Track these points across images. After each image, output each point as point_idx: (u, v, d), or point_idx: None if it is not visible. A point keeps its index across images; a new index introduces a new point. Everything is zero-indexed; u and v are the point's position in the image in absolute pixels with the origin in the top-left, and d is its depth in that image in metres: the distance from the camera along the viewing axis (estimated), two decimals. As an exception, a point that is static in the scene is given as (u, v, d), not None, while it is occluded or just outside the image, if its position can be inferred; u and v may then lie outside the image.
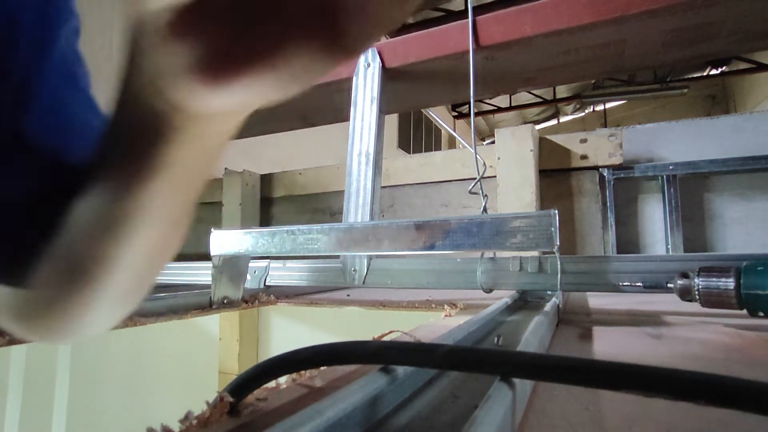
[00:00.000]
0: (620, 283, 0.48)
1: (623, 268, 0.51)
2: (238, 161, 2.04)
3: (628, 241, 1.65)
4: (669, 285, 0.44)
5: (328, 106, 0.90)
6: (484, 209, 0.59)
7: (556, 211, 0.49)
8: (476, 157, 0.62)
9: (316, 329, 0.94)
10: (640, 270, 0.51)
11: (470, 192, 0.61)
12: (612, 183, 1.63)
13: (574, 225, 1.68)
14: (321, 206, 2.18)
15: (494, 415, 0.14)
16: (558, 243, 0.49)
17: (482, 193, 0.59)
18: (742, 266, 0.39)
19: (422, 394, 0.20)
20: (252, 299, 0.67)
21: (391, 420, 0.17)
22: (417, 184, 1.92)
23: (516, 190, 1.57)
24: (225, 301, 0.64)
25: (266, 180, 2.31)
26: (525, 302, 0.56)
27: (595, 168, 1.65)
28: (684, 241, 1.58)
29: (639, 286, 0.46)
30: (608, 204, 1.64)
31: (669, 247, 1.60)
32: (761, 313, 0.37)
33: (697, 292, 0.40)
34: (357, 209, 0.67)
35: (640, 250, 1.65)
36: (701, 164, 1.55)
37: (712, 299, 0.40)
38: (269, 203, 2.34)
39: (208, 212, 2.36)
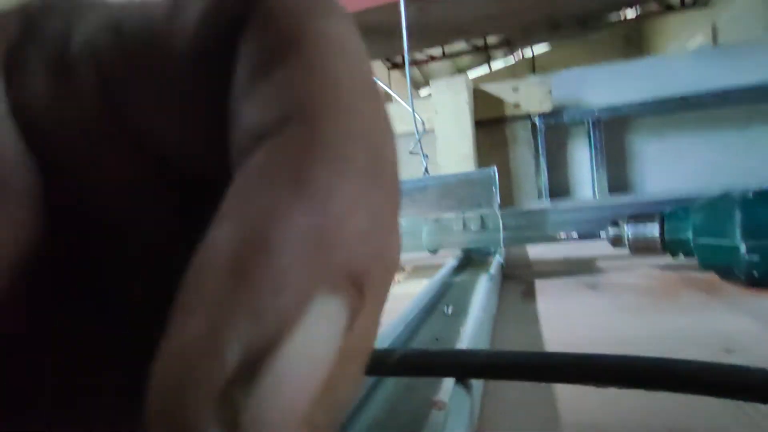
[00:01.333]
0: (558, 235, 0.50)
1: (559, 219, 0.53)
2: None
3: (560, 186, 1.74)
4: (602, 234, 0.46)
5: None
6: (426, 170, 0.58)
7: (495, 168, 0.49)
8: (414, 116, 0.60)
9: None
10: (575, 220, 0.53)
11: (411, 152, 0.60)
12: (543, 130, 1.69)
13: (509, 173, 1.74)
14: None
15: (456, 417, 0.14)
16: (498, 200, 0.49)
17: (422, 153, 0.58)
18: (665, 213, 0.41)
19: (378, 390, 0.19)
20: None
21: (348, 428, 0.16)
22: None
23: (454, 143, 1.59)
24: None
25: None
26: (470, 259, 0.57)
27: (527, 116, 1.70)
28: (609, 181, 1.69)
29: (575, 237, 0.48)
30: (540, 151, 1.70)
31: (595, 188, 1.71)
32: (681, 254, 0.40)
33: (627, 240, 0.43)
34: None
35: (570, 193, 1.75)
36: (622, 108, 1.64)
37: (640, 245, 0.42)
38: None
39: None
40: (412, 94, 0.62)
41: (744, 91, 1.51)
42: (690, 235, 0.38)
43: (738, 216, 0.33)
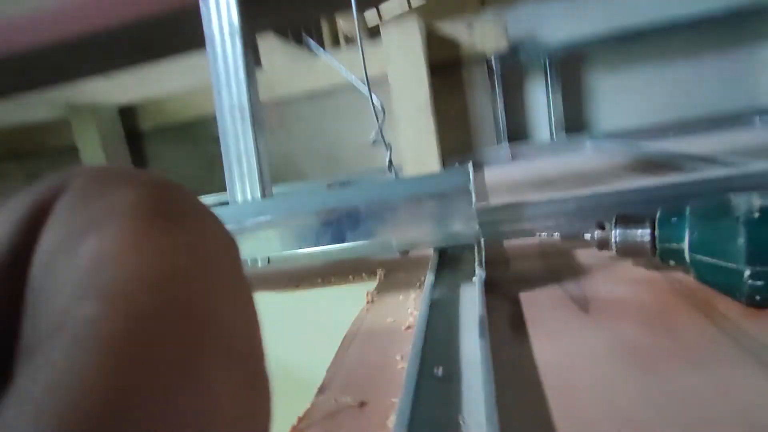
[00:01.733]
0: (538, 234, 0.46)
1: (539, 212, 0.50)
2: (84, 91, 1.67)
3: (518, 128, 1.72)
4: (586, 236, 0.43)
5: (177, 36, 0.70)
6: (390, 163, 0.52)
7: (470, 170, 0.44)
8: (372, 102, 0.52)
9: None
10: (555, 212, 0.50)
11: (372, 142, 0.53)
12: (500, 72, 1.62)
13: (468, 120, 1.68)
14: (203, 133, 1.93)
15: None
16: (475, 199, 0.45)
17: (385, 142, 0.52)
18: (656, 216, 0.38)
19: None
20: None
21: None
22: (305, 93, 1.75)
23: (409, 92, 1.50)
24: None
25: (127, 112, 1.94)
26: (445, 257, 0.53)
27: (483, 56, 1.61)
28: (565, 121, 1.68)
29: (556, 236, 0.45)
30: (497, 92, 1.64)
31: (552, 128, 1.69)
32: (672, 262, 0.38)
33: (614, 244, 0.40)
34: (243, 182, 0.56)
35: (528, 136, 1.73)
36: (578, 42, 1.58)
37: (628, 250, 0.40)
38: (139, 139, 2.02)
39: (59, 162, 1.99)
40: (368, 79, 0.54)
41: (693, 20, 1.48)
42: (685, 246, 0.36)
43: (742, 238, 0.30)
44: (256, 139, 0.56)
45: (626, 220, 0.40)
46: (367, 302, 0.46)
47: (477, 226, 0.41)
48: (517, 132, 1.82)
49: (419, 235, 0.43)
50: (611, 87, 1.73)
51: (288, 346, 0.47)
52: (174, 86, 1.82)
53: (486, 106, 1.76)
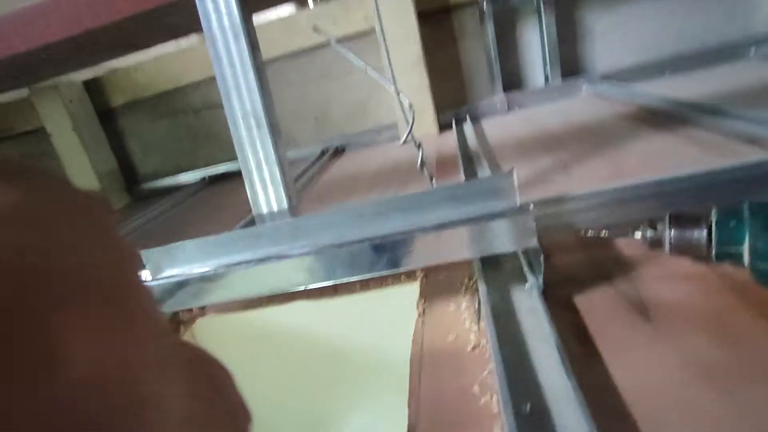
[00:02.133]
0: (584, 233, 0.46)
1: (582, 206, 0.49)
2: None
3: (512, 76, 1.66)
4: (636, 235, 0.43)
5: (161, 29, 0.64)
6: (422, 163, 0.50)
7: (514, 171, 0.43)
8: (400, 102, 0.49)
9: (263, 342, 0.66)
10: (598, 204, 0.49)
11: (402, 143, 0.51)
12: (492, 17, 1.54)
13: (461, 72, 1.62)
14: (180, 106, 1.83)
15: None
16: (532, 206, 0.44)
17: (416, 143, 0.49)
18: (713, 217, 0.38)
19: None
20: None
21: None
22: (288, 55, 1.66)
23: (400, 46, 1.43)
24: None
25: (94, 88, 1.82)
26: (487, 261, 0.53)
27: (474, 0, 1.53)
28: (560, 63, 1.63)
29: (604, 235, 0.45)
30: (490, 39, 1.58)
31: (548, 72, 1.64)
32: (728, 262, 0.38)
33: (669, 244, 0.40)
34: (266, 192, 0.53)
35: (523, 82, 1.69)
36: (573, -22, 1.50)
37: (683, 250, 0.40)
38: (111, 117, 1.90)
39: (29, 146, 1.88)
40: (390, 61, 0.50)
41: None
42: (744, 249, 0.36)
43: (816, 252, 0.30)
44: (276, 148, 0.53)
45: (681, 220, 0.40)
46: (418, 314, 0.46)
47: (537, 243, 0.40)
48: (511, 79, 1.77)
49: (474, 254, 0.43)
50: (607, 24, 1.67)
51: (348, 358, 0.48)
52: (140, 57, 1.69)
53: (478, 53, 1.70)
